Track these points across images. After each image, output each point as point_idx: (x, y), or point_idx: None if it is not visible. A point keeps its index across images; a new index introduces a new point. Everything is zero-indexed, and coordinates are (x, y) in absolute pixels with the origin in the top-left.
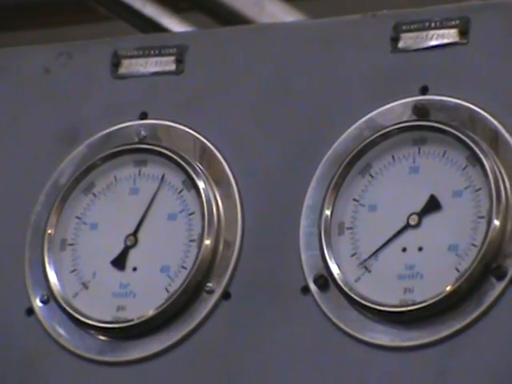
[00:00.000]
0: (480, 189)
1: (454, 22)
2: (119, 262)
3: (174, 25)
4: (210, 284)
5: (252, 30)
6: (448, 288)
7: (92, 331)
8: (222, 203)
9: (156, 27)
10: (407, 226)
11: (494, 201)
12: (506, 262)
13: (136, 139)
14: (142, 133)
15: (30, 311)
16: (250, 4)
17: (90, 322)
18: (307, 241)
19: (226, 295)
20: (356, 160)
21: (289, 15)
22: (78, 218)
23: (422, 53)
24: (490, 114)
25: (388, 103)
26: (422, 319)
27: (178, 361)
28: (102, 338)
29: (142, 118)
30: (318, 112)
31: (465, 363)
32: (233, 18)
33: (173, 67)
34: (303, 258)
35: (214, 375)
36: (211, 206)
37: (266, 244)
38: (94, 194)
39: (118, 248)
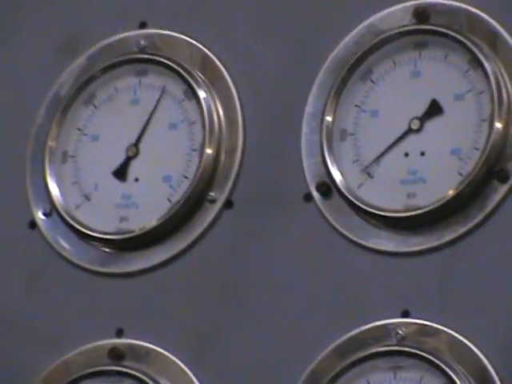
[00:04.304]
0: (482, 92)
1: None
2: (120, 173)
3: None
4: (212, 193)
5: None
6: (451, 192)
7: (95, 243)
8: (223, 112)
9: None
10: (409, 131)
11: (496, 103)
12: (509, 165)
13: (136, 49)
14: (142, 42)
15: (33, 224)
16: None
17: (92, 233)
18: (309, 148)
19: (228, 204)
20: (357, 65)
21: None
22: (79, 129)
23: None
24: (489, 15)
25: (388, 7)
26: (425, 224)
27: (181, 271)
28: (105, 249)
29: (141, 28)
30: (318, 17)
31: (468, 267)
32: None
33: None
34: (305, 165)
35: (217, 284)
36: (212, 115)
37: (267, 152)
38: (95, 106)
39: (119, 159)
